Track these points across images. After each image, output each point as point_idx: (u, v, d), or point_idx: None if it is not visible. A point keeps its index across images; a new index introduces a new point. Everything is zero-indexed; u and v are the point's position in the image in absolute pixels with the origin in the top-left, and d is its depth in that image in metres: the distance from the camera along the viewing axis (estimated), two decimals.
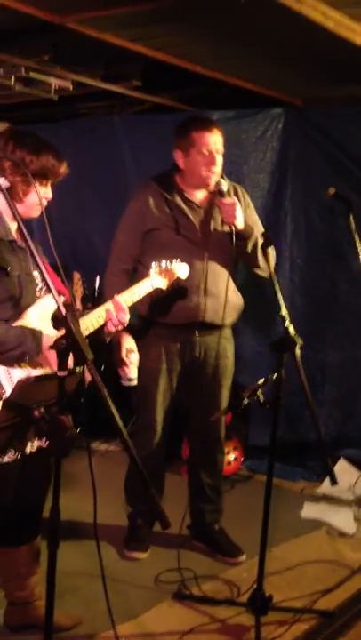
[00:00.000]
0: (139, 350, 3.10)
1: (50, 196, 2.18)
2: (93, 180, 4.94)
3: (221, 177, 3.05)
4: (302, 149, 4.36)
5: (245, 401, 2.57)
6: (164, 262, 2.59)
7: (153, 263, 2.58)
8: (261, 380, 2.55)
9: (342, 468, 4.12)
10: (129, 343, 3.06)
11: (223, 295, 3.00)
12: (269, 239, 2.80)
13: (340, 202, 3.33)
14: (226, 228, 2.96)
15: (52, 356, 1.80)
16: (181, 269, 2.68)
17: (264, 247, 2.80)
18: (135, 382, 3.04)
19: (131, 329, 3.14)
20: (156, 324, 3.10)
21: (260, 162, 4.45)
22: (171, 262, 2.61)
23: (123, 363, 3.06)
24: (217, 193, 2.95)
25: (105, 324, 2.26)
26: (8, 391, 1.99)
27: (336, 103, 4.40)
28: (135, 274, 3.13)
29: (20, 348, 2.03)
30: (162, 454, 3.28)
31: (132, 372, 3.02)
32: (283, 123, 4.39)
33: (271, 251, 2.92)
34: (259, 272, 3.12)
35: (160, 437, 3.22)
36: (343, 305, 4.36)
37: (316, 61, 3.75)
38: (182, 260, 2.73)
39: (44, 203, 2.15)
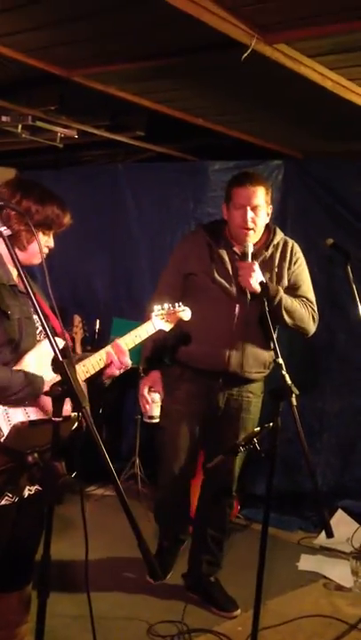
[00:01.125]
0: (166, 391, 3.11)
1: (52, 244, 2.24)
2: (95, 225, 5.03)
3: (272, 230, 3.12)
4: (302, 200, 4.45)
5: (242, 449, 2.56)
6: (166, 305, 2.61)
7: (155, 306, 2.60)
8: (258, 429, 2.54)
9: (340, 519, 4.07)
10: (152, 381, 3.09)
11: (252, 350, 3.04)
12: (267, 287, 2.84)
13: (338, 252, 3.38)
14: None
15: (48, 401, 1.81)
16: (184, 312, 2.68)
17: (260, 296, 2.80)
18: (156, 420, 3.05)
19: (161, 369, 3.20)
20: (184, 367, 3.15)
21: None
22: (173, 306, 2.63)
23: (145, 400, 3.06)
24: (241, 253, 3.00)
25: (105, 367, 2.27)
26: (5, 432, 1.99)
27: (335, 156, 4.50)
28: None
29: (22, 393, 2.05)
30: (182, 496, 3.30)
31: (153, 410, 3.02)
32: (283, 174, 4.49)
33: (302, 309, 3.08)
34: (296, 331, 3.18)
35: (178, 480, 3.23)
36: (341, 354, 4.38)
37: (316, 118, 3.86)
38: (214, 309, 2.78)
39: (46, 251, 2.21)
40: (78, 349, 4.63)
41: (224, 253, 3.07)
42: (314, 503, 4.16)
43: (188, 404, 3.15)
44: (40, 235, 2.15)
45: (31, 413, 2.12)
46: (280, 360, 2.54)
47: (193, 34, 2.68)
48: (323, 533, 3.96)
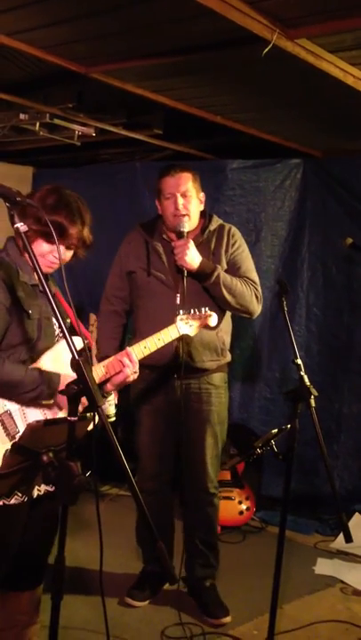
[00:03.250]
0: (126, 391, 3.09)
1: (65, 257, 2.17)
2: (113, 223, 4.99)
3: (208, 217, 3.12)
4: (320, 199, 4.40)
5: (259, 451, 2.53)
6: (191, 310, 2.61)
7: (180, 311, 2.62)
8: (275, 430, 2.51)
9: (357, 523, 4.01)
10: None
11: (197, 336, 2.90)
12: (285, 287, 2.79)
13: (356, 252, 3.33)
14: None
15: (64, 399, 1.79)
16: (211, 317, 2.65)
17: (279, 295, 2.78)
18: (113, 419, 3.01)
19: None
20: (141, 366, 3.09)
21: (279, 210, 4.49)
22: (199, 310, 2.62)
23: None
24: (177, 233, 3.01)
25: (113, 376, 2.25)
26: (21, 430, 1.99)
27: (355, 155, 4.44)
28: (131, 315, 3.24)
29: (36, 391, 2.04)
30: (160, 498, 3.17)
31: (107, 409, 2.99)
32: (301, 173, 4.44)
33: (242, 287, 3.01)
34: (240, 314, 3.13)
35: (153, 480, 3.15)
36: (360, 355, 4.31)
37: (336, 115, 3.81)
38: (155, 302, 2.78)
39: (54, 260, 2.14)
40: (94, 348, 4.62)
41: (159, 246, 3.09)
42: (332, 507, 4.10)
43: (149, 402, 3.14)
44: (43, 243, 2.10)
45: (47, 411, 2.11)
46: (298, 361, 2.51)
47: (213, 29, 2.65)
48: (340, 537, 3.91)
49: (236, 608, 3.15)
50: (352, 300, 4.34)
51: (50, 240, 2.11)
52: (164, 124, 4.19)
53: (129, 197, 5.02)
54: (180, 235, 2.98)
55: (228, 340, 3.20)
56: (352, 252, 4.05)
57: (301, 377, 2.46)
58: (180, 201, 2.98)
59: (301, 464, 4.07)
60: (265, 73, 3.13)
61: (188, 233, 2.99)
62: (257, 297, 3.10)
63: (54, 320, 2.19)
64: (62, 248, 2.16)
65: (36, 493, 2.12)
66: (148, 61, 3.08)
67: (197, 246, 2.99)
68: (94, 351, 4.17)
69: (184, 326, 2.57)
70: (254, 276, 3.14)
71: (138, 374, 2.40)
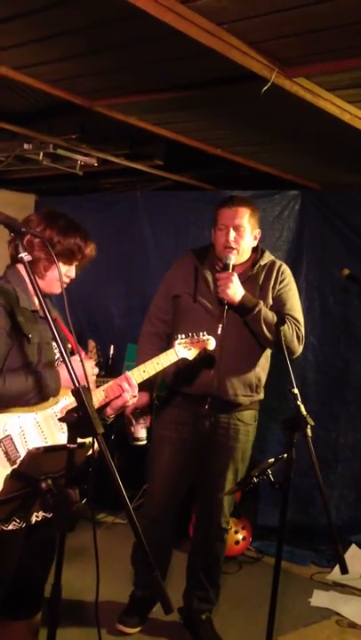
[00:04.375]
0: (155, 416, 3.08)
1: (73, 275, 2.28)
2: (113, 251, 5.07)
3: (260, 252, 3.13)
4: (318, 230, 4.46)
5: (255, 480, 2.53)
6: (190, 333, 2.63)
7: (178, 335, 2.62)
8: (272, 460, 2.51)
9: (354, 554, 3.99)
10: (139, 402, 3.04)
11: (232, 368, 2.97)
12: (283, 317, 2.83)
13: (354, 283, 3.38)
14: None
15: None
16: (209, 341, 2.69)
17: (277, 325, 2.81)
18: (143, 442, 3.00)
19: (150, 392, 3.17)
20: (172, 392, 3.11)
21: (277, 240, 4.55)
22: (197, 334, 2.64)
23: (129, 421, 3.01)
24: (222, 265, 3.02)
25: (112, 400, 2.28)
26: (22, 455, 2.01)
27: (352, 188, 4.53)
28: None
29: (41, 394, 2.12)
30: (163, 529, 3.15)
31: (139, 431, 2.98)
32: (299, 204, 4.51)
33: (287, 328, 2.96)
34: (279, 351, 3.08)
35: (161, 508, 3.12)
36: (356, 386, 4.34)
37: (333, 150, 3.89)
38: (196, 330, 2.75)
39: (67, 280, 2.25)
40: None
41: (208, 274, 3.08)
42: (328, 537, 4.08)
43: (176, 429, 3.10)
44: (60, 264, 2.18)
45: (46, 432, 2.13)
46: (295, 390, 2.52)
47: (215, 67, 2.74)
48: (336, 568, 3.88)
49: (232, 639, 3.12)
50: (349, 331, 4.37)
51: (69, 261, 2.21)
52: (165, 155, 4.27)
53: (130, 226, 5.09)
54: (225, 267, 2.98)
55: (264, 377, 3.17)
56: (349, 283, 4.09)
57: (298, 406, 2.48)
58: (233, 235, 2.97)
59: (297, 494, 4.07)
60: (264, 109, 3.21)
61: (234, 266, 2.97)
62: (298, 337, 3.07)
63: (54, 344, 2.23)
64: (73, 267, 2.24)
65: (34, 520, 2.13)
66: (151, 96, 3.16)
67: (245, 280, 3.00)
68: (92, 378, 4.17)
69: (182, 350, 2.59)
70: (299, 316, 3.13)
71: (138, 398, 2.43)
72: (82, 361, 2.04)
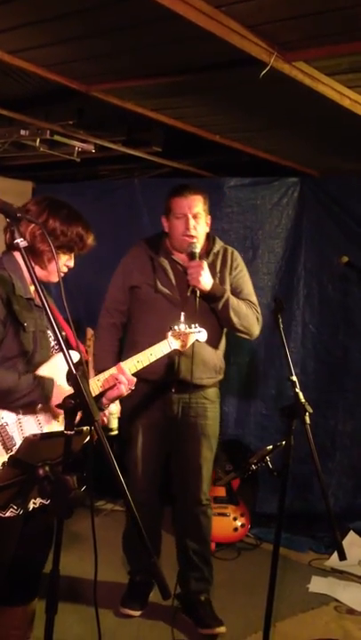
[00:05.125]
0: (123, 406, 3.12)
1: (72, 264, 2.27)
2: (111, 239, 5.03)
3: (212, 239, 3.19)
4: (317, 218, 4.44)
5: (254, 467, 2.53)
6: (182, 326, 2.66)
7: (172, 327, 2.66)
8: (270, 447, 2.52)
9: (352, 541, 4.01)
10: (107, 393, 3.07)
11: (199, 355, 3.03)
12: (282, 304, 2.82)
13: (352, 270, 3.37)
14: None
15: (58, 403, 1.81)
16: (200, 333, 2.77)
17: (275, 312, 2.81)
18: (115, 432, 3.03)
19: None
20: (137, 380, 3.12)
21: (275, 228, 4.53)
22: (189, 326, 2.69)
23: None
24: (189, 254, 3.06)
25: (108, 390, 2.27)
26: (18, 443, 2.00)
27: (351, 175, 4.50)
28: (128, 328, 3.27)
29: (30, 396, 2.06)
30: (151, 512, 3.20)
31: (111, 422, 3.00)
32: (298, 191, 4.49)
33: (247, 309, 3.09)
34: (241, 335, 3.19)
35: (144, 494, 3.17)
36: (355, 373, 4.34)
37: (333, 136, 3.86)
38: (159, 318, 2.83)
39: (65, 270, 2.25)
40: (90, 362, 4.63)
41: (165, 263, 3.14)
42: (326, 524, 4.09)
43: (146, 416, 3.16)
44: (61, 254, 2.18)
45: (43, 423, 2.12)
46: (294, 377, 2.52)
47: (213, 51, 2.70)
48: (334, 555, 3.89)
49: (230, 625, 3.13)
50: (347, 318, 4.36)
51: (70, 251, 2.21)
52: (163, 142, 4.23)
53: (127, 213, 5.05)
54: (191, 256, 3.02)
55: (223, 358, 3.27)
56: (348, 270, 4.08)
57: (297, 394, 2.47)
58: (192, 222, 3.04)
59: (296, 481, 4.07)
60: (263, 94, 3.18)
61: (200, 254, 3.03)
62: (258, 319, 3.19)
63: (50, 333, 2.22)
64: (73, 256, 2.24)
65: (31, 506, 2.12)
66: (148, 81, 3.13)
67: None
68: (91, 365, 4.18)
69: (175, 341, 2.62)
70: (255, 299, 3.23)
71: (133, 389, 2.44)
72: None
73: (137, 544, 3.15)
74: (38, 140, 4.07)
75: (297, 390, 2.48)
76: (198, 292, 2.97)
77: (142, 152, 4.36)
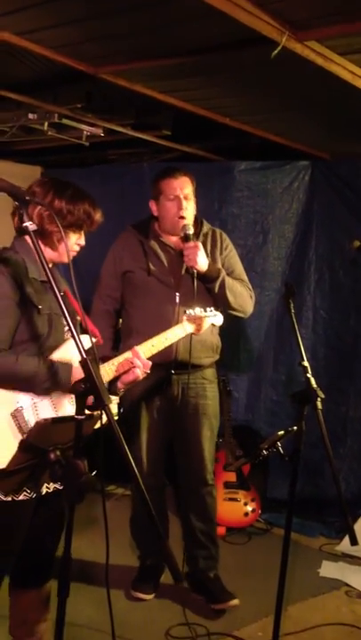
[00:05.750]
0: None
1: (83, 242, 2.27)
2: (120, 223, 4.99)
3: (199, 221, 3.20)
4: (328, 202, 4.39)
5: (265, 452, 2.52)
6: (198, 309, 2.67)
7: (187, 310, 2.67)
8: (281, 432, 2.50)
9: None
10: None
11: (198, 336, 2.97)
12: (292, 289, 2.79)
13: None
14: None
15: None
16: (215, 317, 2.79)
17: (286, 298, 2.79)
18: (115, 417, 3.03)
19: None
20: None
21: (286, 212, 4.49)
22: (204, 310, 2.70)
23: None
24: (183, 236, 3.06)
25: (122, 375, 2.26)
26: (30, 428, 2.00)
27: None
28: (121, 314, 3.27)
29: (49, 382, 2.07)
30: (156, 494, 3.22)
31: (111, 407, 3.01)
32: (309, 175, 4.44)
33: (241, 287, 3.13)
34: (235, 313, 3.21)
35: (149, 476, 3.19)
36: None
37: (345, 118, 3.81)
38: (154, 301, 2.84)
39: (77, 249, 2.24)
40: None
41: (156, 246, 3.15)
42: (337, 509, 4.09)
43: (145, 398, 3.18)
44: (70, 234, 2.16)
45: (58, 406, 2.12)
46: (305, 363, 2.50)
47: (223, 30, 2.65)
48: (345, 540, 3.89)
49: (241, 609, 3.15)
50: (359, 303, 4.32)
51: (79, 229, 2.20)
52: (172, 125, 4.19)
53: (137, 198, 5.01)
54: (186, 237, 3.04)
55: (219, 337, 3.30)
56: (359, 255, 4.04)
57: (308, 379, 2.45)
58: (184, 203, 3.05)
59: (306, 466, 4.06)
60: (274, 75, 3.13)
61: (193, 235, 3.04)
62: (251, 297, 3.23)
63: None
64: (83, 234, 2.23)
65: (44, 491, 2.13)
66: (157, 62, 3.08)
67: None
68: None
69: (190, 325, 2.63)
70: (246, 278, 3.28)
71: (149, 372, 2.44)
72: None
73: (146, 528, 3.21)
74: (46, 124, 4.03)
75: (308, 375, 2.46)
76: (195, 272, 2.97)
77: (151, 136, 4.32)
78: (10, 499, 2.05)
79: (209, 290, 3.08)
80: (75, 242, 2.22)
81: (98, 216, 2.23)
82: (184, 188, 3.07)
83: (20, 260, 2.14)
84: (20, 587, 2.37)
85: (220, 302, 3.12)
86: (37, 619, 2.41)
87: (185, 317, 2.63)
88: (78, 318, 2.18)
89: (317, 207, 4.43)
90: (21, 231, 2.17)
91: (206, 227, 3.23)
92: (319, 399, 2.42)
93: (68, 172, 5.35)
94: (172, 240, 3.16)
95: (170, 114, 4.06)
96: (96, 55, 3.10)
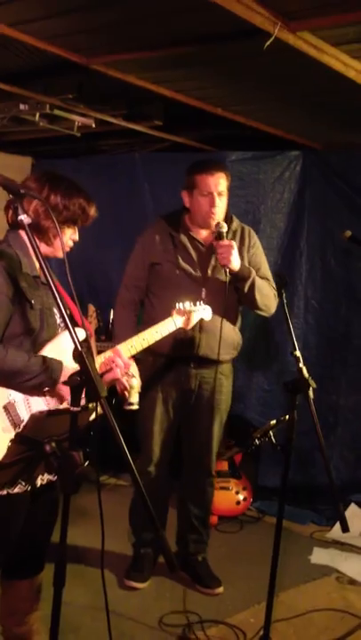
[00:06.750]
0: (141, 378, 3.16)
1: (77, 237, 2.27)
2: (112, 214, 5.01)
3: (229, 218, 3.20)
4: (320, 192, 4.40)
5: (257, 442, 2.55)
6: (187, 304, 2.67)
7: (177, 304, 2.67)
8: (273, 421, 2.54)
9: (353, 513, 4.05)
10: (130, 368, 3.11)
11: (218, 331, 3.07)
12: (285, 279, 2.81)
13: (355, 245, 3.35)
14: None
15: (67, 389, 1.81)
16: (204, 311, 2.79)
17: (278, 287, 2.83)
18: (136, 407, 3.08)
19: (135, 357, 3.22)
20: (155, 355, 3.17)
21: (278, 202, 4.50)
22: (193, 304, 2.71)
23: (123, 387, 3.09)
24: (216, 234, 3.06)
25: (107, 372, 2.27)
26: (26, 420, 2.01)
27: (355, 148, 4.45)
28: (143, 305, 3.30)
29: (39, 378, 2.06)
30: (162, 483, 3.31)
31: (132, 396, 3.05)
32: (301, 165, 4.44)
33: (268, 287, 3.13)
34: (260, 313, 3.24)
35: (157, 466, 3.26)
36: (357, 348, 4.34)
37: (337, 108, 3.81)
38: (181, 295, 2.86)
39: (71, 244, 2.25)
40: (93, 339, 4.63)
41: (186, 240, 3.16)
42: (327, 497, 4.14)
43: (163, 390, 3.22)
44: (65, 229, 2.18)
45: (51, 402, 2.13)
46: (297, 353, 2.52)
47: (215, 21, 2.65)
48: (336, 527, 3.95)
49: (233, 596, 3.20)
50: (350, 293, 4.35)
51: (74, 224, 2.20)
52: (164, 116, 4.18)
53: (128, 188, 5.01)
54: (219, 235, 3.03)
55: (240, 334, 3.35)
56: (351, 245, 4.04)
57: (300, 369, 2.48)
58: (218, 201, 3.04)
59: (297, 454, 4.08)
60: (266, 65, 3.13)
61: (227, 233, 3.04)
62: (275, 296, 3.22)
63: (55, 311, 2.21)
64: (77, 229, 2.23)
65: (39, 482, 2.14)
66: (149, 53, 3.07)
67: None
68: (93, 342, 4.17)
69: (179, 319, 2.62)
70: (270, 276, 3.26)
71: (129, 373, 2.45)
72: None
73: (144, 517, 3.25)
74: (38, 115, 4.02)
75: (301, 365, 2.48)
76: (228, 271, 2.98)
77: (143, 126, 4.31)
78: (5, 492, 2.05)
79: (237, 289, 3.10)
80: (69, 237, 2.22)
81: (92, 211, 2.23)
82: (219, 185, 3.04)
83: (14, 253, 2.13)
84: (12, 577, 2.38)
85: (247, 301, 3.16)
86: (28, 609, 2.42)
87: (174, 311, 2.63)
88: (69, 311, 2.18)
89: (309, 197, 4.44)
90: (15, 225, 2.16)
91: (236, 223, 3.23)
92: (311, 388, 2.45)
93: (59, 163, 5.33)
94: (202, 235, 3.16)
95: (161, 104, 4.05)
96: (88, 46, 3.09)
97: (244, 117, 4.12)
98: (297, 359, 2.51)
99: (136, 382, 3.09)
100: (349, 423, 4.35)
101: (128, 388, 3.03)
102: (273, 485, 4.23)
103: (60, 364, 2.10)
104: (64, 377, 2.07)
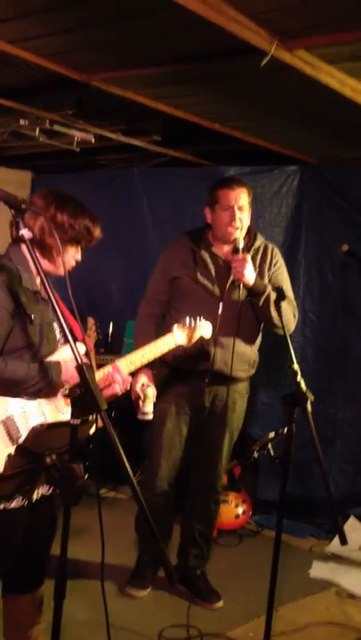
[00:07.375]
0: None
1: (79, 258, 2.28)
2: (111, 228, 5.00)
3: (253, 235, 3.24)
4: (317, 206, 4.44)
5: (256, 454, 2.56)
6: (188, 320, 2.68)
7: (176, 322, 2.69)
8: (272, 434, 2.54)
9: (352, 526, 4.05)
10: (145, 377, 3.15)
11: (237, 347, 3.10)
12: (282, 292, 2.83)
13: (353, 259, 3.38)
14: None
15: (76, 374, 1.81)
16: (205, 328, 2.77)
17: (277, 301, 2.84)
18: (150, 417, 3.09)
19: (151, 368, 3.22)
20: (170, 367, 3.21)
21: (275, 216, 4.53)
22: (194, 320, 2.70)
23: (137, 396, 3.12)
24: (233, 249, 3.10)
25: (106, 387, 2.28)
26: (23, 435, 2.01)
27: (351, 163, 4.49)
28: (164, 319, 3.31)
29: (39, 384, 2.08)
30: (167, 498, 3.30)
31: (146, 406, 3.06)
32: (298, 180, 4.48)
33: (286, 305, 3.06)
34: (275, 330, 3.21)
35: (164, 480, 3.26)
36: (355, 361, 4.35)
37: (333, 125, 3.86)
38: (198, 309, 2.84)
39: (73, 263, 2.26)
40: (93, 353, 4.64)
41: (206, 256, 3.19)
42: (326, 510, 4.13)
43: (176, 403, 3.23)
44: (69, 248, 2.19)
45: (47, 412, 2.14)
46: (295, 366, 2.54)
47: (213, 40, 2.69)
48: (335, 540, 3.94)
49: (233, 610, 3.19)
50: (347, 307, 4.38)
51: (78, 244, 2.22)
52: (162, 131, 4.22)
53: (127, 203, 5.05)
54: (235, 250, 3.07)
55: (258, 352, 3.36)
56: (348, 259, 4.08)
57: (298, 382, 2.49)
58: (239, 215, 3.09)
59: (296, 468, 4.10)
60: (263, 83, 3.17)
61: (243, 249, 3.08)
62: (295, 315, 3.25)
63: (56, 326, 2.23)
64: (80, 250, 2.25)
65: (35, 497, 2.14)
66: (149, 70, 3.12)
67: None
68: (93, 356, 4.19)
69: (181, 335, 2.62)
70: (292, 295, 3.28)
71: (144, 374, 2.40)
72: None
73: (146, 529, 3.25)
74: (37, 130, 4.05)
75: (299, 379, 2.49)
76: (242, 285, 3.01)
77: (142, 141, 4.35)
78: (2, 507, 2.05)
79: (253, 304, 3.12)
80: (72, 256, 2.23)
81: (97, 232, 2.25)
82: (239, 200, 3.09)
83: (14, 268, 2.14)
84: (13, 592, 2.38)
85: (263, 317, 3.17)
86: (31, 622, 2.42)
87: (175, 327, 2.63)
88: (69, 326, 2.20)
89: (306, 211, 4.48)
90: (18, 240, 2.18)
91: (260, 241, 3.26)
92: (309, 401, 2.47)
93: (58, 177, 5.38)
94: (224, 250, 3.19)
95: (160, 120, 4.09)
96: (88, 63, 3.13)
97: (241, 133, 4.17)
98: (295, 372, 2.52)
99: (151, 392, 3.11)
100: (348, 436, 4.36)
101: (142, 397, 3.05)
102: (272, 499, 4.21)
103: (58, 364, 2.11)
104: (65, 372, 2.09)
